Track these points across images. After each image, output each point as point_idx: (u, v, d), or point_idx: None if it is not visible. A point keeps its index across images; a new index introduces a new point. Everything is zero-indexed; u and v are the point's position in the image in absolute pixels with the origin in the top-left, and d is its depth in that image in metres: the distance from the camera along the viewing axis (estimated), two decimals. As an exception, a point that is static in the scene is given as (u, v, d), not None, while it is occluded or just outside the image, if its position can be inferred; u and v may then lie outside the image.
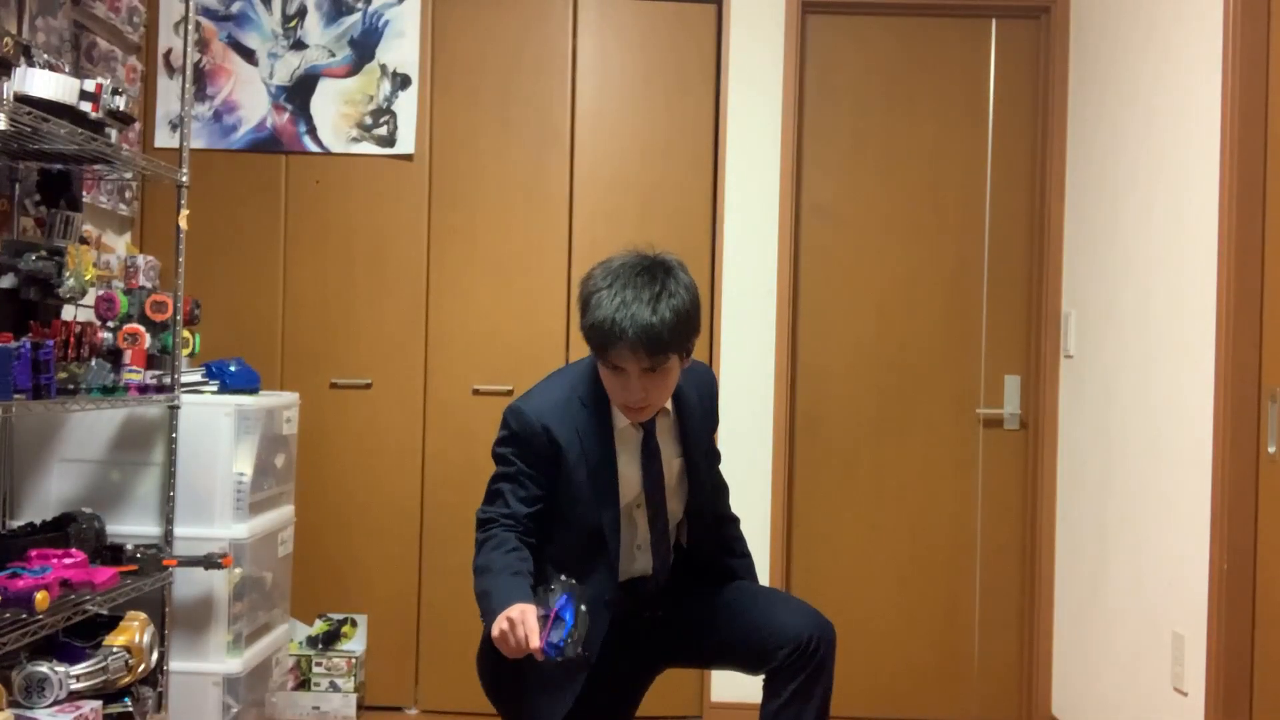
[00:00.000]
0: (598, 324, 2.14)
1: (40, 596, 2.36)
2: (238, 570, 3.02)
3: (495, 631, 2.01)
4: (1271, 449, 2.62)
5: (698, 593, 2.42)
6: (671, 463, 2.35)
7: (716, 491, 2.49)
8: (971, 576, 3.90)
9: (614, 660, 2.30)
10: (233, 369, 3.25)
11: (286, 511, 3.39)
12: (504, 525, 2.21)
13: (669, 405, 2.33)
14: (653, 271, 2.16)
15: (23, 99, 2.40)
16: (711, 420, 2.47)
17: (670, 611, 2.41)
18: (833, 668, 2.29)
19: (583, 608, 2.04)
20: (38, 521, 2.85)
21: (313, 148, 3.83)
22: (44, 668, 2.52)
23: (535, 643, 1.98)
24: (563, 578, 2.08)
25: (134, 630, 2.73)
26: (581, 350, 3.82)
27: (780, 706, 2.25)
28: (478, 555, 2.21)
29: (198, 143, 3.77)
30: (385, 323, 3.84)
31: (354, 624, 3.78)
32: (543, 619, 2.00)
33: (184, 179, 3.06)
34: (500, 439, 2.27)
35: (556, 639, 1.99)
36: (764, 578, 3.78)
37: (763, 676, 2.32)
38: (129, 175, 3.36)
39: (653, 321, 2.10)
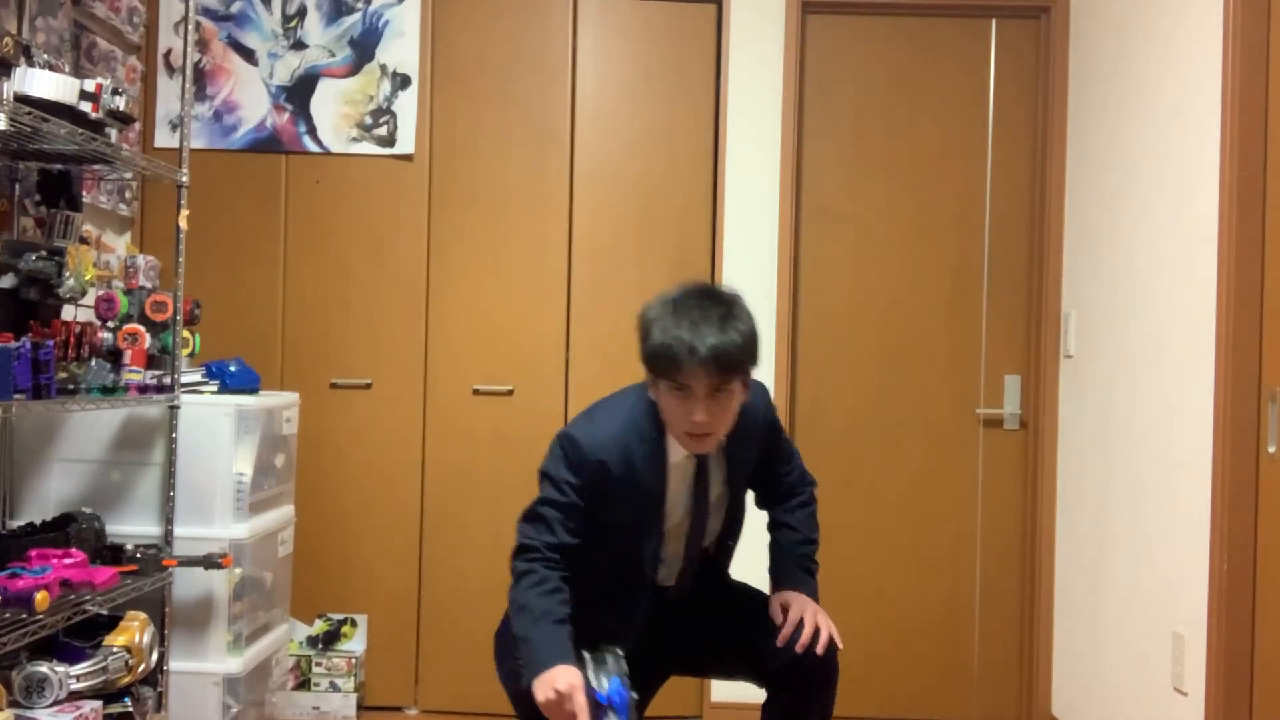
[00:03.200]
0: (666, 344, 2.15)
1: (40, 596, 2.36)
2: (238, 570, 3.02)
3: (541, 697, 2.06)
4: (1271, 449, 2.62)
5: (709, 601, 2.44)
6: (716, 488, 2.37)
7: (786, 463, 2.53)
8: (971, 576, 3.90)
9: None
10: (233, 369, 3.25)
11: (286, 511, 3.39)
12: (547, 561, 2.22)
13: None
14: (717, 297, 2.22)
15: (23, 99, 2.40)
16: (767, 437, 2.43)
17: (681, 618, 2.42)
18: (833, 690, 2.32)
19: (634, 695, 2.06)
20: (38, 521, 2.85)
21: (313, 148, 3.83)
22: (44, 668, 2.52)
23: None
24: (613, 653, 2.12)
25: (134, 630, 2.73)
26: (581, 349, 3.84)
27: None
28: (517, 587, 2.22)
29: (198, 143, 3.77)
30: (385, 323, 3.84)
31: (354, 624, 3.78)
32: (593, 704, 2.03)
33: (184, 179, 3.06)
34: (554, 464, 2.27)
35: None
36: (763, 578, 3.78)
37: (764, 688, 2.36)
38: (129, 175, 3.36)
39: (722, 339, 2.14)
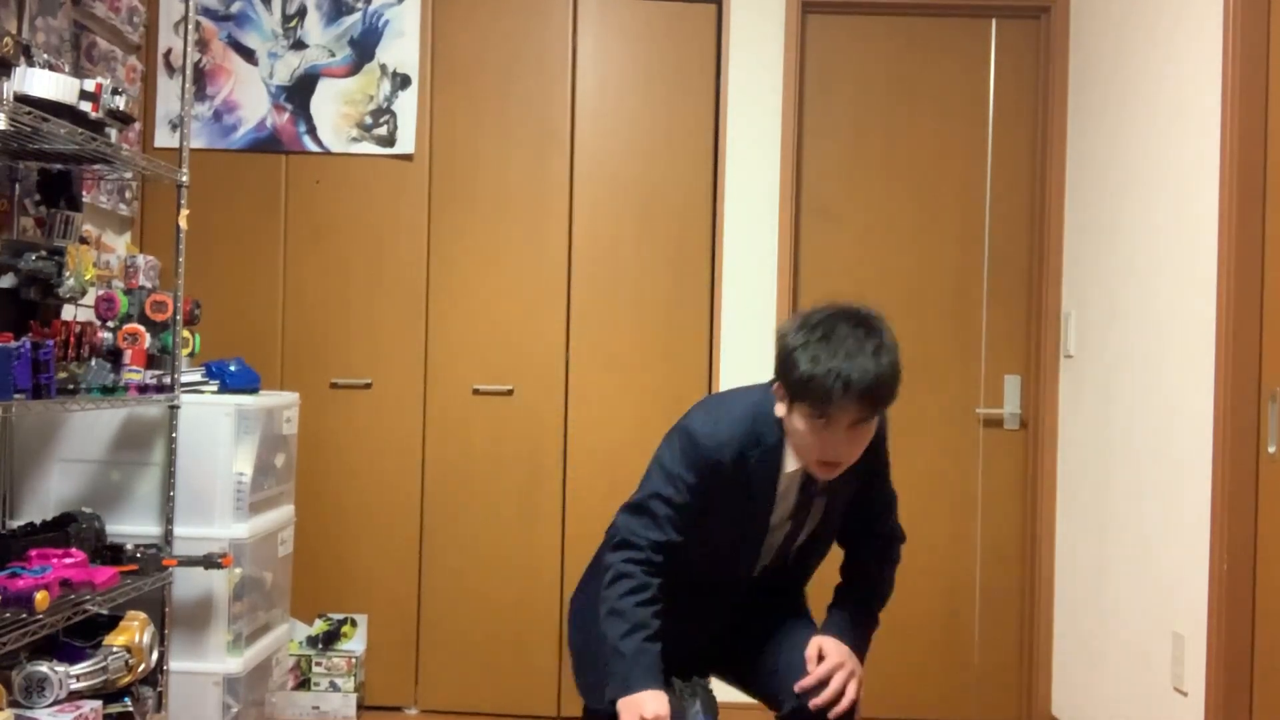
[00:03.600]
0: (819, 376, 2.00)
1: (40, 596, 2.36)
2: (238, 570, 3.02)
3: (631, 717, 2.06)
4: (1271, 449, 2.62)
5: (764, 614, 2.39)
6: (817, 504, 2.30)
7: (883, 509, 2.43)
8: (971, 576, 3.90)
9: (683, 653, 2.29)
10: (233, 369, 3.25)
11: (286, 511, 3.39)
12: (648, 565, 2.16)
13: None
14: (868, 323, 2.07)
15: (23, 99, 2.40)
16: (874, 451, 2.30)
17: (736, 623, 2.39)
18: None
19: None
20: (38, 521, 2.85)
21: (313, 148, 3.83)
22: (44, 668, 2.52)
23: None
24: (704, 689, 2.07)
25: (134, 630, 2.73)
26: (581, 349, 3.84)
27: None
28: (615, 587, 2.17)
29: (198, 143, 3.77)
30: (385, 323, 3.84)
31: (354, 624, 3.78)
32: None
33: (184, 179, 3.06)
34: (672, 458, 2.20)
35: None
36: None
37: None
38: (129, 175, 3.36)
39: (880, 373, 2.01)
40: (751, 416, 2.20)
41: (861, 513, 2.38)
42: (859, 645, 2.33)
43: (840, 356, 2.00)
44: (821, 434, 2.06)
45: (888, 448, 2.35)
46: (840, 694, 2.20)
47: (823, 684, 2.20)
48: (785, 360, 2.07)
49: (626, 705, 2.08)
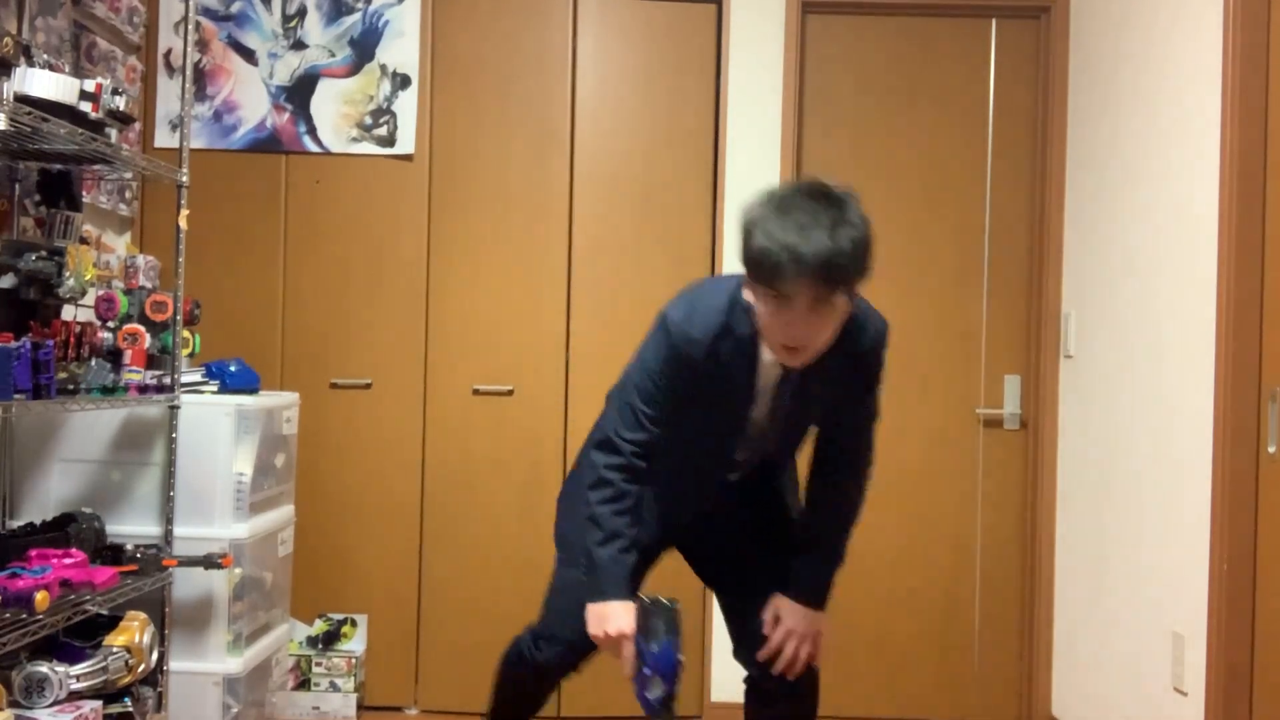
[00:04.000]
0: (770, 251, 1.91)
1: (40, 596, 2.36)
2: (238, 570, 3.02)
3: (594, 630, 2.12)
4: (1271, 449, 2.62)
5: (748, 529, 2.38)
6: (795, 402, 2.25)
7: (865, 421, 2.40)
8: (971, 576, 3.90)
9: (654, 536, 2.32)
10: (233, 369, 3.25)
11: (286, 511, 3.39)
12: (627, 470, 2.16)
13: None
14: (829, 198, 1.96)
15: (23, 99, 2.40)
16: (856, 370, 2.28)
17: (721, 515, 2.39)
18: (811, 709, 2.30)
19: (681, 657, 2.03)
20: (38, 521, 2.85)
21: (313, 148, 3.83)
22: (44, 668, 2.52)
23: (629, 672, 2.06)
24: (670, 612, 2.07)
25: (134, 630, 2.73)
26: (581, 349, 3.84)
27: None
28: (595, 493, 2.17)
29: (198, 143, 3.77)
30: (385, 323, 3.84)
31: (354, 624, 3.78)
32: (640, 659, 2.04)
33: (184, 179, 3.06)
34: (653, 349, 2.19)
35: (654, 697, 2.02)
36: (764, 578, 3.78)
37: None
38: (129, 175, 3.36)
39: (831, 248, 1.89)
40: (726, 306, 2.15)
41: (843, 421, 2.33)
42: (821, 597, 2.30)
43: (793, 231, 1.91)
44: (781, 315, 1.98)
45: (883, 358, 2.29)
46: (794, 659, 2.22)
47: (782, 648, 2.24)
48: (743, 236, 2.00)
49: (595, 613, 2.13)
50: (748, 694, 2.42)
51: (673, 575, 2.62)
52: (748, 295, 2.05)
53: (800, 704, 2.35)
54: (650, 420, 2.18)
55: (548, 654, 2.41)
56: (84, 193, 3.24)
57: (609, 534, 2.15)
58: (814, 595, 2.28)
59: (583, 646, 2.30)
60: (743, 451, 2.32)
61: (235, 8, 3.83)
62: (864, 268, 1.97)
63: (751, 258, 1.97)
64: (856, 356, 2.20)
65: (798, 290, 1.92)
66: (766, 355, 2.15)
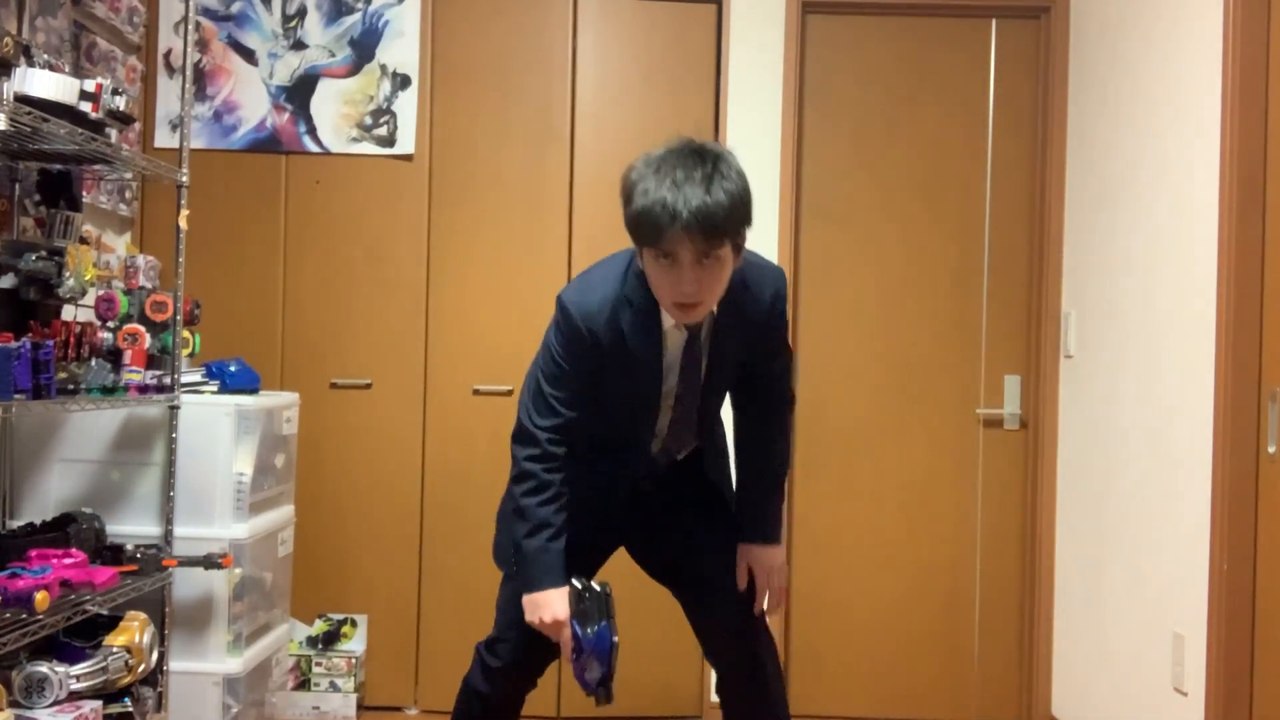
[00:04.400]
0: (647, 209, 1.99)
1: (40, 596, 2.36)
2: (238, 570, 3.02)
3: (530, 617, 2.17)
4: (1271, 449, 2.62)
5: (687, 510, 2.40)
6: (705, 360, 2.27)
7: (783, 372, 2.41)
8: (971, 576, 3.90)
9: (593, 524, 2.34)
10: (233, 369, 3.25)
11: (286, 511, 3.39)
12: (546, 459, 2.19)
13: (714, 307, 2.20)
14: (702, 154, 2.03)
15: (23, 99, 2.40)
16: (766, 328, 2.31)
17: (658, 504, 2.40)
18: (773, 688, 2.33)
19: (615, 639, 2.07)
20: (38, 521, 2.85)
21: (313, 148, 3.83)
22: (44, 668, 2.52)
23: (566, 655, 2.12)
24: (603, 595, 2.10)
25: (134, 630, 2.73)
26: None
27: None
28: (517, 487, 2.21)
29: (198, 143, 3.77)
30: (385, 323, 3.84)
31: (354, 624, 3.78)
32: (576, 643, 2.09)
33: (184, 179, 3.06)
34: (554, 331, 2.23)
35: (592, 679, 2.09)
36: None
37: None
38: (129, 175, 3.36)
39: (707, 201, 1.96)
40: (620, 276, 2.20)
41: (761, 372, 2.36)
42: (777, 532, 2.39)
43: (667, 187, 1.98)
44: (669, 273, 2.04)
45: (786, 307, 2.33)
46: (779, 593, 2.34)
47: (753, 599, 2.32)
48: (623, 200, 2.07)
49: (529, 603, 2.18)
50: (722, 693, 2.43)
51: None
52: (640, 261, 2.11)
53: (770, 685, 2.36)
54: (561, 403, 2.21)
55: (504, 659, 2.42)
56: (84, 193, 3.24)
57: (536, 524, 2.19)
58: (773, 532, 2.37)
59: (534, 647, 2.35)
60: (664, 423, 2.32)
61: (235, 8, 3.83)
62: (742, 219, 2.04)
63: (632, 219, 2.04)
64: (760, 309, 2.26)
65: (680, 245, 1.99)
66: (668, 321, 2.19)
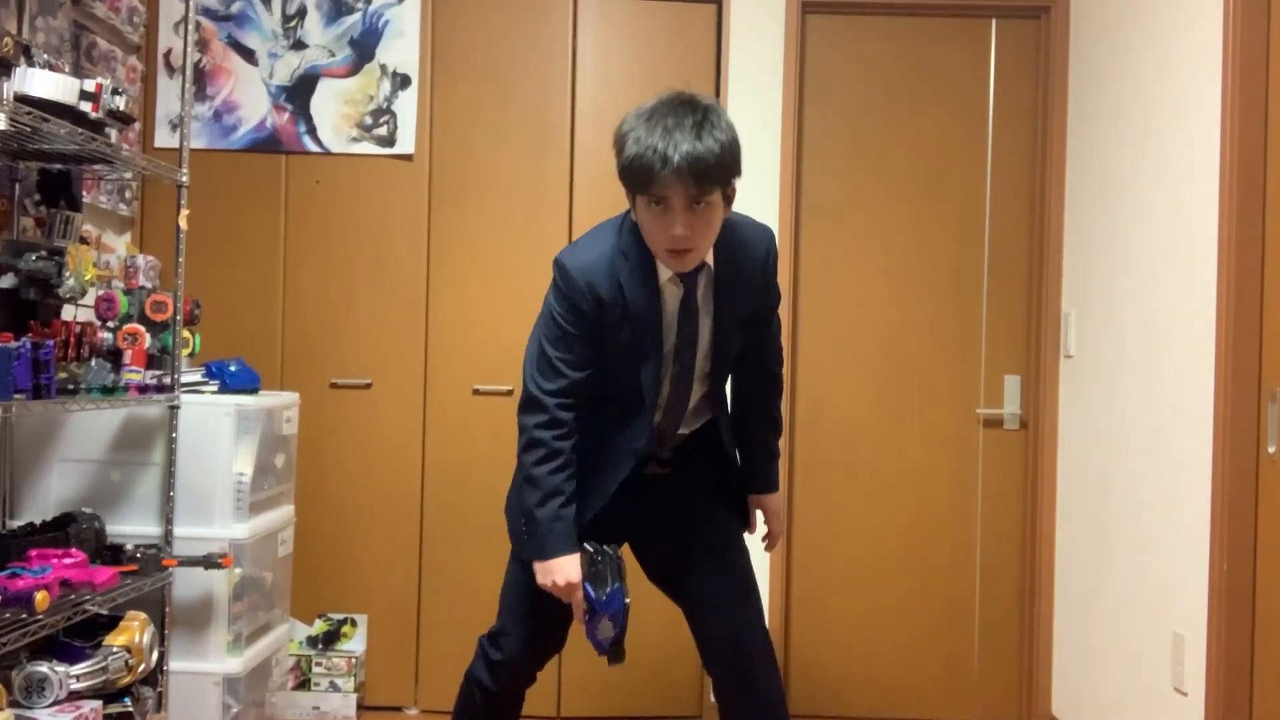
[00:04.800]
0: (639, 155, 2.08)
1: (40, 596, 2.36)
2: (238, 570, 3.02)
3: (543, 581, 2.21)
4: (1271, 449, 2.62)
5: (686, 513, 2.43)
6: (704, 324, 2.33)
7: (771, 339, 2.51)
8: (971, 576, 3.90)
9: (601, 511, 2.36)
10: (233, 369, 3.25)
11: (286, 511, 3.39)
12: (555, 425, 2.24)
13: (710, 262, 2.28)
14: (692, 104, 2.14)
15: (23, 99, 2.40)
16: (764, 286, 2.38)
17: (663, 499, 2.44)
18: (766, 685, 2.34)
19: (627, 600, 2.12)
20: (38, 521, 2.85)
21: (313, 148, 3.83)
22: (44, 668, 2.52)
23: (579, 617, 2.16)
24: (614, 556, 2.15)
25: (134, 630, 2.73)
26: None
27: None
28: (527, 455, 2.25)
29: (198, 143, 3.77)
30: (385, 323, 3.84)
31: (354, 624, 3.78)
32: (590, 605, 2.13)
33: (184, 179, 3.06)
34: (553, 293, 2.29)
35: (605, 639, 2.13)
36: (763, 578, 3.78)
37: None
38: (129, 175, 3.36)
39: (697, 146, 2.06)
40: (614, 234, 2.27)
41: (752, 333, 2.43)
42: (778, 482, 2.60)
43: (659, 134, 2.07)
44: (662, 218, 2.12)
45: (776, 270, 2.42)
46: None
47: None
48: (616, 150, 2.15)
49: (541, 569, 2.22)
50: (719, 699, 2.44)
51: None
52: (634, 215, 2.19)
53: (767, 696, 2.38)
54: (566, 365, 2.26)
55: (506, 652, 2.45)
56: (84, 193, 3.24)
57: (547, 492, 2.23)
58: (776, 482, 2.58)
59: (537, 641, 2.41)
60: (667, 387, 2.34)
61: (235, 8, 3.83)
62: (732, 166, 2.13)
63: (624, 166, 2.13)
64: (755, 265, 2.33)
65: (672, 189, 2.08)
66: (664, 275, 2.24)
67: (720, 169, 2.10)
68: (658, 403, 2.34)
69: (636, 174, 2.10)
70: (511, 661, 2.45)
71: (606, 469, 2.33)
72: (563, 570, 2.20)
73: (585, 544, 2.20)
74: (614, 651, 2.15)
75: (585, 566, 2.19)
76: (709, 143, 2.07)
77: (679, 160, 2.05)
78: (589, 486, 2.31)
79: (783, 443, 3.76)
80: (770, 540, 2.59)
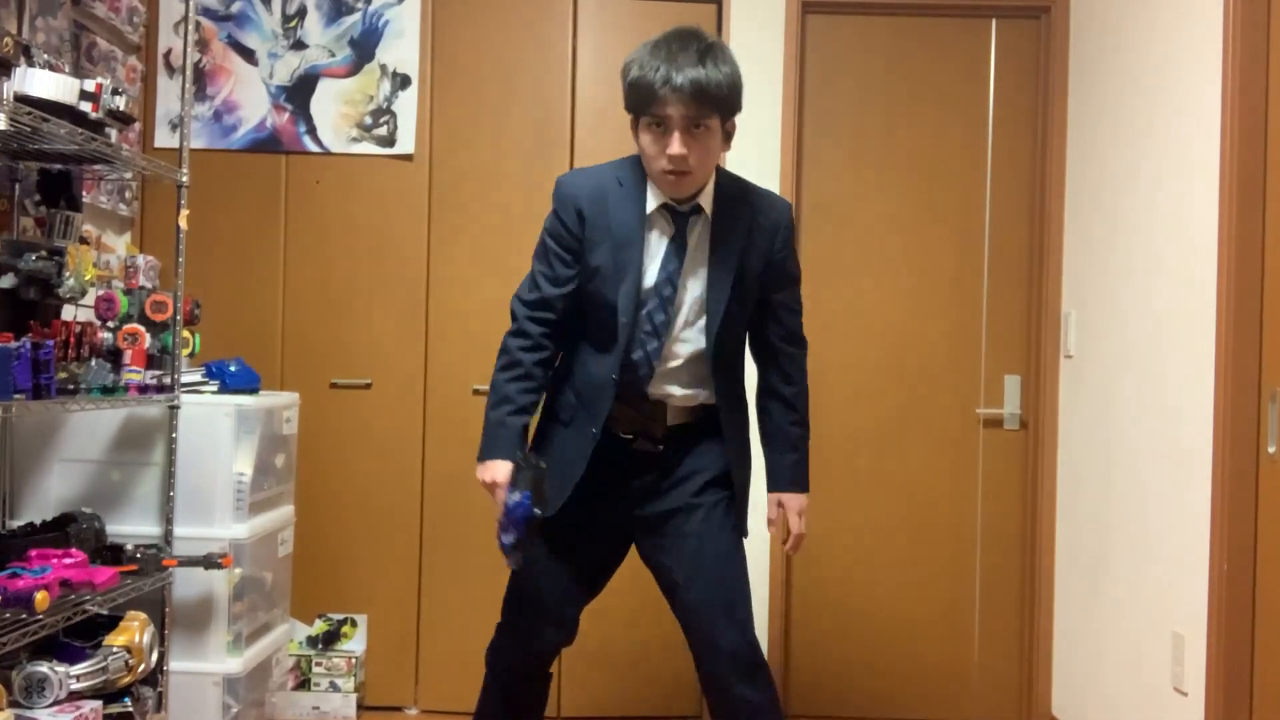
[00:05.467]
0: (642, 75, 2.19)
1: (40, 596, 2.36)
2: (238, 570, 3.02)
3: (479, 477, 2.31)
4: (1271, 449, 2.62)
5: (684, 527, 2.42)
6: (696, 271, 2.36)
7: (790, 314, 2.50)
8: (971, 576, 3.90)
9: (599, 515, 2.43)
10: (233, 369, 3.25)
11: (286, 511, 3.39)
12: (526, 339, 2.36)
13: (707, 210, 2.34)
14: (698, 36, 2.23)
15: (23, 99, 2.40)
16: (774, 256, 2.41)
17: (660, 502, 2.44)
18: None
19: (535, 511, 2.22)
20: (38, 521, 2.85)
21: (313, 148, 3.83)
22: (44, 668, 2.52)
23: (497, 516, 2.25)
24: (535, 467, 2.24)
25: (134, 630, 2.73)
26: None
27: None
28: (499, 360, 2.39)
29: (198, 143, 3.77)
30: (385, 323, 3.84)
31: (354, 624, 3.79)
32: (504, 508, 2.25)
33: (184, 179, 3.06)
34: (551, 211, 2.41)
35: (506, 541, 2.24)
36: (763, 578, 3.78)
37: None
38: (129, 175, 3.36)
39: (700, 71, 2.16)
40: (614, 164, 2.39)
41: (765, 309, 2.45)
42: (804, 481, 2.55)
43: (663, 57, 2.19)
44: (660, 139, 2.22)
45: (791, 236, 2.45)
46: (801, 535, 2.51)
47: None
48: (622, 78, 2.27)
49: (480, 468, 2.33)
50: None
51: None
52: (637, 144, 2.29)
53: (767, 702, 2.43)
54: (546, 279, 2.38)
55: (499, 637, 2.51)
56: (84, 193, 3.24)
57: (500, 398, 2.35)
58: (804, 482, 2.55)
59: (522, 624, 2.46)
60: (650, 329, 2.36)
61: (235, 8, 3.83)
62: (733, 98, 2.23)
63: (628, 89, 2.24)
64: (765, 228, 2.38)
65: (672, 107, 2.18)
66: (653, 204, 2.32)
67: (720, 96, 2.19)
68: (634, 335, 2.36)
69: (639, 94, 2.21)
70: (503, 648, 2.52)
71: (590, 401, 2.40)
72: (491, 471, 2.29)
73: (520, 453, 2.30)
74: (513, 556, 2.26)
75: (512, 473, 2.29)
76: (711, 69, 2.17)
77: (680, 80, 2.15)
78: (579, 420, 2.40)
79: (783, 443, 3.80)
80: (791, 543, 2.52)
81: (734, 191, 2.38)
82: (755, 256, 2.38)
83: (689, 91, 2.16)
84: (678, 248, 2.33)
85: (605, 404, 2.38)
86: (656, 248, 2.34)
